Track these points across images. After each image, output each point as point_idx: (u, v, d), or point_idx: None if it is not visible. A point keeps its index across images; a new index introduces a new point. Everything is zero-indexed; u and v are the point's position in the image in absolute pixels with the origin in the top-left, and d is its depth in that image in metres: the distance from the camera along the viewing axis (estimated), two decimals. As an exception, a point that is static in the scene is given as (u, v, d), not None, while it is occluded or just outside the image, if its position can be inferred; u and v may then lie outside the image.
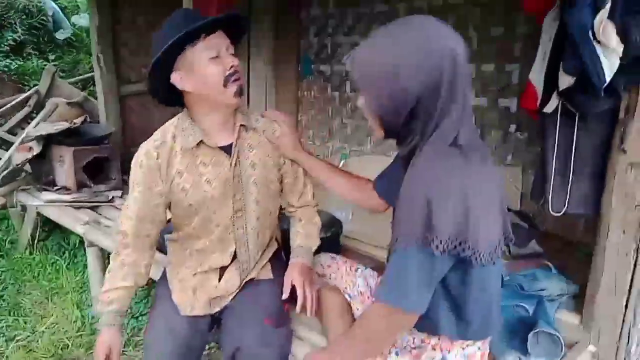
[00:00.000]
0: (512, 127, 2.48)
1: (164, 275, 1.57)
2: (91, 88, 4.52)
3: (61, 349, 2.29)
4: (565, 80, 1.24)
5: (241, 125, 1.40)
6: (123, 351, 2.22)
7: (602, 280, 1.42)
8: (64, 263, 3.00)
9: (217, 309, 1.48)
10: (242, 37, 1.41)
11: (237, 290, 1.50)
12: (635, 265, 1.37)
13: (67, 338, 2.35)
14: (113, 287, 1.41)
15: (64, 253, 3.11)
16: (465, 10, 2.52)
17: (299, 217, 1.58)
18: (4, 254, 3.14)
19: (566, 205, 1.42)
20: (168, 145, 1.37)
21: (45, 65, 4.55)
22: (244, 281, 1.51)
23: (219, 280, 1.50)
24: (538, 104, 1.45)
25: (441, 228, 0.87)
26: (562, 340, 1.36)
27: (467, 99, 0.94)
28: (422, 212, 0.88)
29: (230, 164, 1.38)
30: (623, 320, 1.42)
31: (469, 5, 2.50)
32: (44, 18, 5.01)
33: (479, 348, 1.12)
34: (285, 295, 1.39)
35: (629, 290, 1.39)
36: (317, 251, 1.61)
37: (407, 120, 0.95)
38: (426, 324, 1.07)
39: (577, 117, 1.34)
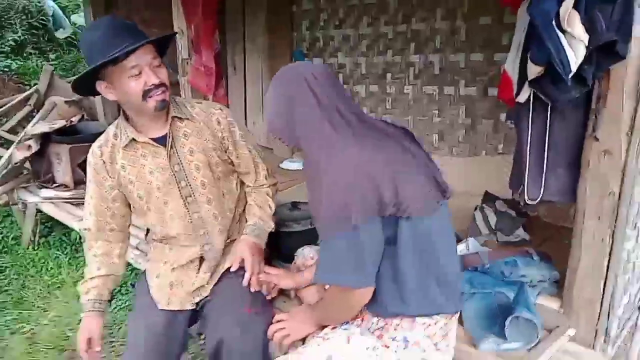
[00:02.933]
0: (503, 117, 2.50)
1: (143, 273, 1.63)
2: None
3: (63, 340, 2.36)
4: (534, 70, 1.25)
5: (173, 117, 1.45)
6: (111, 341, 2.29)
7: (580, 266, 1.44)
8: (66, 258, 3.07)
9: (198, 299, 1.53)
10: (167, 48, 1.46)
11: (216, 282, 1.55)
12: (611, 251, 1.39)
13: (68, 330, 2.41)
14: (89, 277, 1.51)
15: (65, 248, 3.18)
16: (454, 1, 2.52)
17: (253, 200, 1.63)
18: (8, 250, 3.22)
19: (542, 193, 1.44)
20: (110, 143, 1.46)
21: (45, 64, 4.61)
22: (221, 271, 1.55)
23: (199, 269, 1.55)
24: (514, 93, 1.47)
25: (352, 202, 1.00)
26: (537, 325, 1.39)
27: (341, 104, 1.12)
28: (334, 198, 1.02)
29: (167, 154, 1.44)
30: (601, 304, 1.44)
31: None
32: (44, 18, 5.05)
33: (441, 328, 1.15)
34: (233, 268, 1.46)
35: (606, 275, 1.42)
36: (299, 243, 1.67)
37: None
38: (375, 306, 1.15)
39: (549, 107, 1.36)
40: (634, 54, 1.20)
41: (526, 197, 1.47)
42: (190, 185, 1.49)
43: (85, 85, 1.38)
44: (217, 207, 1.54)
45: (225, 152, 1.55)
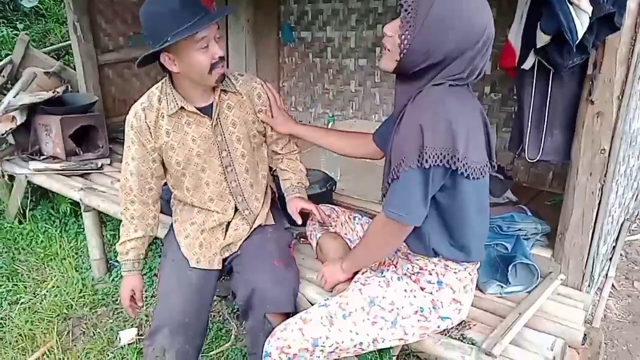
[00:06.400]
0: (487, 89, 2.66)
1: (170, 231, 1.69)
2: (65, 58, 4.42)
3: (66, 308, 2.38)
4: (542, 39, 1.39)
5: (221, 89, 1.51)
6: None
7: (572, 218, 1.62)
8: (56, 231, 3.04)
9: (227, 254, 1.62)
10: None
11: (245, 238, 1.63)
12: (599, 204, 1.57)
13: (70, 299, 2.43)
14: (127, 238, 1.57)
15: (54, 221, 3.14)
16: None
17: (285, 166, 1.73)
18: (-7, 224, 3.14)
19: (540, 153, 1.60)
20: (155, 107, 1.49)
21: (15, 34, 4.41)
22: (252, 229, 1.64)
23: (226, 232, 1.63)
24: (516, 61, 1.60)
25: (430, 145, 1.05)
26: (538, 269, 1.56)
27: (479, 70, 1.11)
28: (416, 137, 1.06)
29: (212, 125, 1.51)
30: (589, 252, 1.63)
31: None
32: (9, -15, 4.81)
33: (469, 274, 1.29)
34: (299, 221, 1.61)
35: (594, 226, 1.60)
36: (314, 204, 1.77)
37: (425, 66, 1.09)
38: (421, 247, 1.24)
39: (551, 73, 1.50)
40: (626, 25, 1.36)
41: (526, 157, 1.63)
42: (230, 155, 1.56)
43: (146, 58, 1.39)
44: (253, 176, 1.64)
45: (262, 123, 1.63)
